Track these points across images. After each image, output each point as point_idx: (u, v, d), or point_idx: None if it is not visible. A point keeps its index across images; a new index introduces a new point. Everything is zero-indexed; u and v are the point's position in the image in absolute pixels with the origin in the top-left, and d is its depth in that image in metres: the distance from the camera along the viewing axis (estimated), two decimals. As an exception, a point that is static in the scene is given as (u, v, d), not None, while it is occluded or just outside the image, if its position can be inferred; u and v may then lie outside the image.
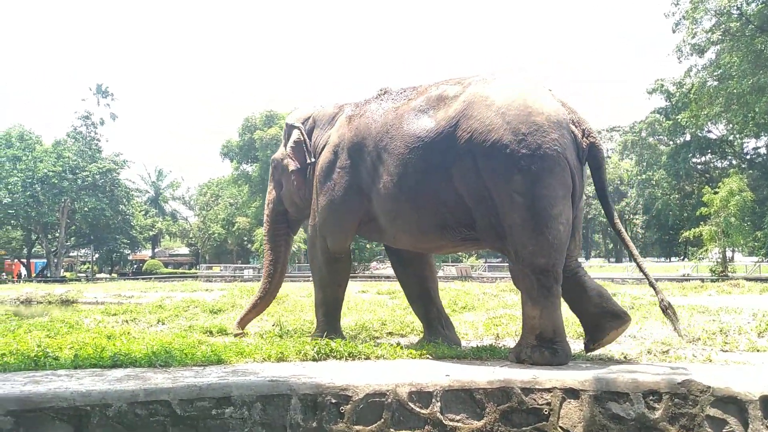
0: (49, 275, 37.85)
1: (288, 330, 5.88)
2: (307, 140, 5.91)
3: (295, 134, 6.00)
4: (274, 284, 6.32)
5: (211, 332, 5.97)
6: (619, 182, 51.20)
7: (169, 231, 61.99)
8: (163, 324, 6.84)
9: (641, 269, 4.50)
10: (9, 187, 33.25)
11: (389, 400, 3.38)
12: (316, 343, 4.17)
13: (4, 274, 42.89)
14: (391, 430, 3.34)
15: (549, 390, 3.56)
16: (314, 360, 3.98)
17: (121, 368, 3.56)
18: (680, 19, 27.87)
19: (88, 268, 50.47)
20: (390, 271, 41.10)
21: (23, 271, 44.72)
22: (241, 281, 32.62)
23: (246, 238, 59.81)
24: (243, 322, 6.27)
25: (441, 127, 4.61)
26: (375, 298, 11.53)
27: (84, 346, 4.29)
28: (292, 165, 5.87)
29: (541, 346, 4.22)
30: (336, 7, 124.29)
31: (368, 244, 39.32)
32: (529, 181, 4.19)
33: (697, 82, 29.69)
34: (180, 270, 54.24)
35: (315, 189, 5.64)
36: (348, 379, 3.42)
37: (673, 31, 28.44)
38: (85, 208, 35.49)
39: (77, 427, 2.96)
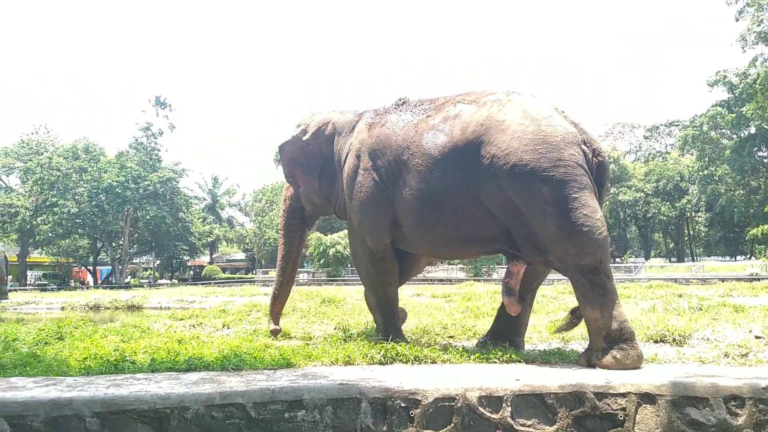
0: (114, 281, 39.42)
1: (351, 333, 5.90)
2: (318, 146, 6.18)
3: (304, 138, 6.25)
4: (287, 276, 6.59)
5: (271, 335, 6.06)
6: (679, 179, 49.39)
7: (226, 237, 63.52)
8: (228, 328, 7.00)
9: None
10: (76, 197, 34.82)
11: (459, 405, 3.35)
12: (382, 347, 4.19)
13: (72, 280, 45.11)
14: (462, 434, 3.32)
15: (623, 395, 3.47)
16: (381, 364, 4.00)
17: (196, 372, 3.67)
18: (744, 6, 26.71)
19: (150, 274, 52.33)
20: (442, 274, 41.01)
21: (89, 278, 46.78)
22: (296, 285, 33.16)
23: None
24: (275, 319, 6.50)
25: (460, 150, 4.84)
26: (431, 302, 11.49)
27: (157, 351, 4.44)
28: (298, 168, 6.20)
29: (611, 347, 4.14)
30: (390, 15, 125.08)
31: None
32: (555, 189, 4.36)
33: (763, 72, 28.38)
34: (237, 275, 55.51)
35: (345, 194, 5.78)
36: (417, 383, 3.42)
37: (737, 20, 27.28)
38: (147, 216, 36.78)
39: (158, 429, 3.06)
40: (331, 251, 41.12)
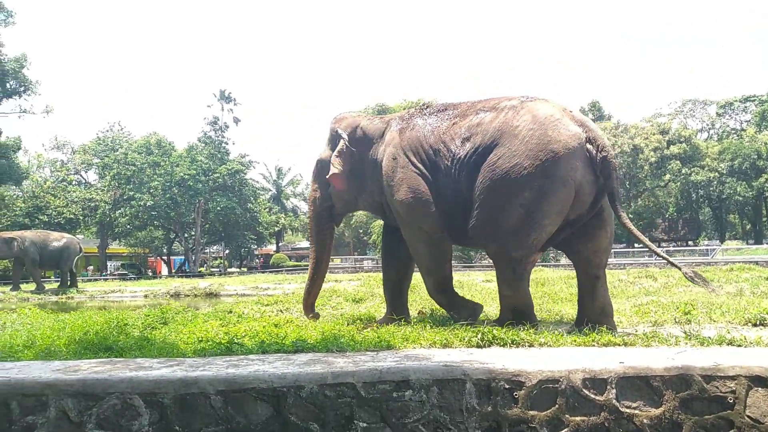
0: (187, 270, 41.02)
1: (435, 317, 5.99)
2: (352, 149, 6.56)
3: (340, 144, 6.61)
4: (321, 270, 7.17)
5: (361, 320, 6.22)
6: (756, 157, 46.78)
7: (292, 226, 64.88)
8: (318, 309, 7.21)
9: (657, 254, 5.67)
10: (151, 191, 36.33)
11: (563, 387, 3.38)
12: (479, 330, 4.25)
13: (149, 270, 47.27)
14: (566, 416, 3.35)
15: (733, 377, 3.40)
16: (479, 346, 4.06)
17: (303, 353, 3.84)
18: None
19: (220, 263, 54.12)
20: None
21: (164, 268, 48.82)
22: (363, 272, 33.62)
23: (362, 231, 61.37)
24: (309, 307, 7.03)
25: (479, 156, 5.52)
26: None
27: (258, 334, 4.65)
28: (334, 169, 6.46)
29: (517, 322, 5.13)
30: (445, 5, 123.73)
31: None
32: (536, 196, 5.15)
33: None
34: (302, 263, 56.69)
35: (388, 194, 6.26)
36: (519, 365, 3.47)
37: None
38: (218, 208, 37.97)
39: (275, 406, 3.24)
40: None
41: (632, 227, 5.44)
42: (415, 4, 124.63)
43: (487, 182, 5.37)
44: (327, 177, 6.56)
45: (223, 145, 42.16)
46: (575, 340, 4.22)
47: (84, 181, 46.94)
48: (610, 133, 47.41)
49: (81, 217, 40.93)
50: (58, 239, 20.21)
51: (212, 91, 56.31)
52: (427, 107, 6.46)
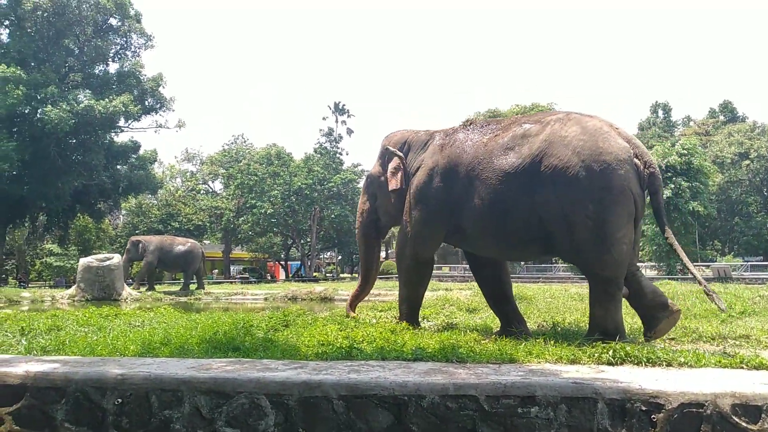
0: (303, 275, 42.59)
1: (557, 331, 5.72)
2: (406, 167, 6.79)
3: (395, 161, 6.86)
4: (371, 279, 7.66)
5: (477, 330, 6.08)
6: None
7: (401, 234, 65.44)
8: (429, 321, 7.16)
9: (692, 272, 5.40)
10: (271, 199, 38.16)
11: (708, 412, 3.07)
12: (611, 347, 3.98)
13: (268, 275, 49.61)
14: (714, 444, 3.03)
15: None
16: (610, 364, 3.80)
17: (423, 362, 3.78)
18: None
19: (333, 268, 55.70)
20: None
21: (281, 272, 51.00)
22: (472, 281, 33.09)
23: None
24: (352, 307, 7.71)
25: (526, 163, 5.54)
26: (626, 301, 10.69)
27: (376, 339, 4.66)
28: (392, 186, 6.74)
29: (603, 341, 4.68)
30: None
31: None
32: (600, 209, 5.15)
33: None
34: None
35: (409, 203, 6.52)
36: (658, 386, 3.19)
37: None
38: (332, 216, 39.16)
39: (396, 415, 3.20)
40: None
41: (675, 242, 5.50)
42: (525, 8, 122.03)
43: (547, 196, 5.37)
44: (390, 190, 6.79)
45: (337, 155, 43.54)
46: (720, 361, 3.83)
47: (211, 190, 50.22)
48: (744, 135, 43.66)
49: (208, 224, 43.84)
50: (182, 244, 21.60)
51: (327, 104, 58.49)
52: (471, 123, 6.63)
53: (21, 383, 3.39)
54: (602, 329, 5.15)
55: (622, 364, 3.81)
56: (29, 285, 32.42)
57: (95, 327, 5.56)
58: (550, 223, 5.40)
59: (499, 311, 6.56)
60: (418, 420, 3.17)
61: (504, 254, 6.40)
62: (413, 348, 4.02)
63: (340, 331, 5.36)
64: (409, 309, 6.72)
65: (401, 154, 6.85)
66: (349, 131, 50.21)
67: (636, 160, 5.33)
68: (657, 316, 5.37)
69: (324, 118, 50.34)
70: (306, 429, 3.20)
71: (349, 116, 50.84)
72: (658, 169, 5.50)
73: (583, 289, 15.43)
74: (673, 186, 31.01)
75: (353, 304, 7.73)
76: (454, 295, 10.54)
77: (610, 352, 3.88)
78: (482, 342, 4.73)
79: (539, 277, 37.75)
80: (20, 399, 3.38)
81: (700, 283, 5.35)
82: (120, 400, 3.32)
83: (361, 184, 45.20)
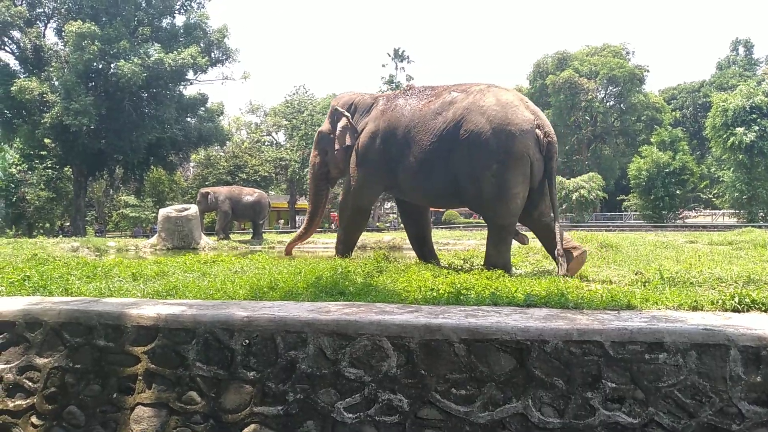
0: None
1: (650, 278, 5.54)
2: (353, 125, 7.79)
3: (343, 121, 7.91)
4: (314, 224, 8.99)
5: (569, 277, 5.98)
6: None
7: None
8: (517, 268, 7.10)
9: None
10: (334, 149, 38.41)
11: None
12: (736, 293, 3.83)
13: (332, 225, 50.45)
14: None
15: None
16: (735, 310, 3.66)
17: (537, 308, 3.74)
18: None
19: (394, 218, 56.03)
20: (702, 220, 36.90)
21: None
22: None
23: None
24: (289, 249, 9.36)
25: (449, 127, 6.63)
26: (714, 249, 10.25)
27: (475, 286, 4.64)
28: (338, 144, 7.91)
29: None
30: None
31: (678, 190, 35.66)
32: (502, 170, 6.26)
33: None
34: (472, 219, 56.59)
35: (355, 160, 7.60)
36: (795, 334, 3.05)
37: None
38: (395, 165, 39.15)
39: (518, 359, 3.19)
40: (574, 195, 39.53)
41: (555, 203, 6.64)
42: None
43: (462, 155, 6.47)
44: (335, 151, 7.96)
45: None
46: None
47: (275, 142, 50.91)
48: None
49: (273, 175, 44.62)
50: (250, 194, 22.06)
51: (387, 51, 57.58)
52: (410, 88, 7.65)
53: (153, 324, 3.57)
54: (493, 265, 6.28)
55: (748, 311, 3.66)
56: (106, 235, 34.14)
57: (199, 273, 5.79)
58: (462, 179, 6.54)
59: (419, 250, 8.13)
60: (541, 365, 3.16)
61: (432, 204, 7.94)
62: (525, 294, 3.98)
63: (435, 277, 5.37)
64: (345, 248, 8.08)
65: (348, 114, 7.82)
66: (409, 78, 49.45)
67: (537, 131, 6.34)
68: (569, 254, 6.36)
69: (383, 65, 49.88)
70: (428, 371, 3.25)
71: (408, 62, 50.04)
72: (555, 138, 6.58)
73: (659, 236, 14.95)
74: (758, 129, 29.21)
75: (292, 245, 9.21)
76: (533, 244, 10.37)
77: (735, 299, 3.73)
78: (578, 287, 4.64)
79: (609, 225, 36.81)
80: (153, 339, 3.57)
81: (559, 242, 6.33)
82: (247, 341, 3.45)
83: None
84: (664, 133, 38.59)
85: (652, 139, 40.12)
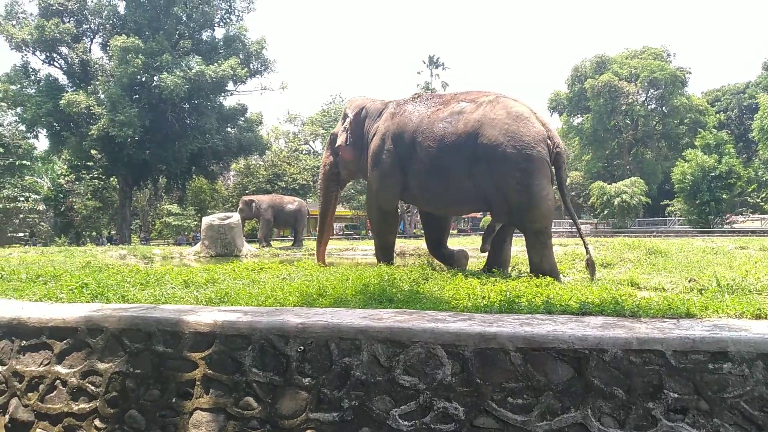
0: (402, 231, 43.06)
1: (705, 287, 5.39)
2: (356, 127, 8.14)
3: (347, 121, 8.23)
4: (328, 226, 9.08)
5: (621, 284, 5.86)
6: None
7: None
8: (566, 276, 7.00)
9: (580, 235, 7.14)
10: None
11: None
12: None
13: (370, 231, 50.65)
14: None
15: None
16: (802, 320, 3.54)
17: (593, 316, 3.69)
18: None
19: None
20: (750, 225, 35.73)
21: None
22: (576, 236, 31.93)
23: (574, 193, 58.47)
24: (321, 258, 8.97)
25: (462, 139, 6.74)
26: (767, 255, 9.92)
27: (525, 294, 4.59)
28: (340, 141, 8.24)
29: None
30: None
31: (725, 195, 34.65)
32: (526, 177, 6.37)
33: None
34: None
35: (369, 165, 7.77)
36: None
37: None
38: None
39: (576, 368, 3.15)
40: (616, 201, 38.78)
41: (572, 210, 7.08)
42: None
43: (482, 169, 6.57)
44: (336, 146, 8.20)
45: (435, 110, 43.01)
46: None
47: (312, 150, 51.45)
48: None
49: (311, 183, 45.07)
50: (291, 202, 22.33)
51: (422, 58, 57.62)
52: (419, 96, 7.83)
53: (210, 331, 3.64)
54: (540, 271, 6.33)
55: (815, 321, 3.53)
56: (150, 243, 34.98)
57: (248, 280, 5.88)
58: (486, 191, 6.66)
59: (437, 253, 8.33)
60: (600, 374, 3.11)
61: (442, 210, 7.82)
62: (580, 302, 3.93)
63: (483, 285, 5.33)
64: (384, 254, 8.17)
65: (352, 115, 8.17)
66: (444, 85, 49.46)
67: (548, 141, 6.54)
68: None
69: (418, 73, 50.01)
70: (483, 380, 3.23)
71: (443, 69, 50.04)
72: (563, 148, 6.80)
73: (706, 242, 14.52)
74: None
75: (321, 250, 8.97)
76: (580, 251, 10.21)
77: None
78: (631, 296, 4.54)
79: (652, 231, 35.99)
80: (210, 345, 3.64)
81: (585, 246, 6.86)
82: (302, 348, 3.49)
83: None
84: (708, 136, 37.58)
85: (696, 143, 39.12)
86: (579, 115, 54.56)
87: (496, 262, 7.23)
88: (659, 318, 3.61)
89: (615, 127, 50.76)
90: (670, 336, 3.12)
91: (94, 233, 42.05)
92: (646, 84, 48.81)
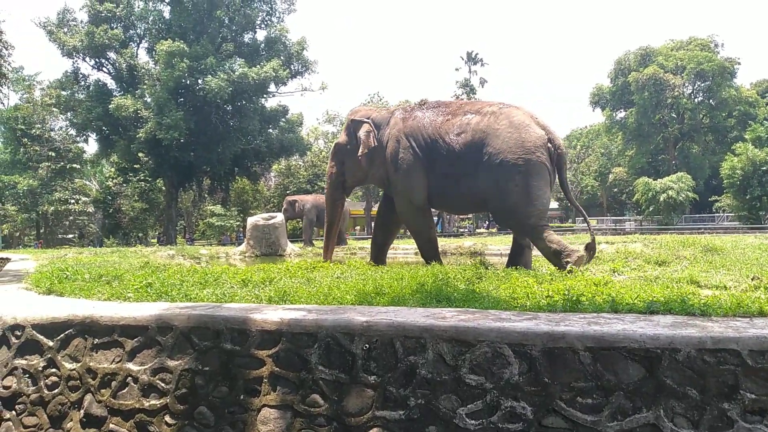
0: (442, 231, 42.94)
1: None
2: (376, 131, 8.42)
3: (366, 127, 8.47)
4: (334, 231, 9.38)
5: (680, 282, 5.73)
6: None
7: (541, 186, 63.37)
8: (620, 274, 6.89)
9: (587, 224, 8.03)
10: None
11: None
12: None
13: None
14: None
15: None
16: None
17: (661, 315, 3.62)
18: None
19: (469, 223, 55.59)
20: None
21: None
22: (623, 234, 31.43)
23: (617, 190, 57.29)
24: (328, 257, 9.27)
25: (469, 148, 7.50)
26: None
27: (584, 293, 4.53)
28: (364, 148, 8.31)
29: (561, 259, 7.19)
30: None
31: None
32: (524, 178, 7.14)
33: None
34: (551, 224, 55.22)
35: (390, 168, 8.19)
36: None
37: None
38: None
39: (648, 368, 3.10)
40: (662, 197, 37.83)
41: (577, 204, 7.96)
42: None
43: (486, 175, 7.30)
44: (359, 155, 8.36)
45: (475, 107, 42.69)
46: None
47: (351, 149, 51.63)
48: None
49: (350, 182, 45.32)
50: (334, 203, 22.54)
51: (460, 54, 57.26)
52: (424, 102, 8.42)
53: (277, 329, 3.72)
54: (552, 254, 7.13)
55: None
56: (194, 243, 35.74)
57: (303, 279, 5.97)
58: (488, 193, 7.40)
59: (376, 253, 9.08)
60: (673, 374, 3.06)
61: (453, 210, 8.86)
62: (647, 300, 3.86)
63: (539, 283, 5.29)
64: (430, 251, 8.43)
65: (369, 121, 8.44)
66: (482, 81, 49.07)
67: (549, 144, 7.24)
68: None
69: (457, 69, 49.56)
70: (551, 379, 3.21)
71: (482, 65, 49.62)
72: (564, 149, 7.46)
73: (759, 239, 14.03)
74: None
75: (328, 255, 9.31)
76: (631, 248, 10.03)
77: None
78: (695, 294, 4.43)
79: (700, 227, 35.02)
80: (277, 343, 3.71)
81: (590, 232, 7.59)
82: (367, 346, 3.53)
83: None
84: (759, 129, 36.33)
85: (746, 136, 37.87)
86: (622, 110, 53.39)
87: (518, 265, 7.48)
88: (731, 317, 3.53)
89: (660, 121, 49.49)
90: (746, 335, 3.05)
91: (140, 234, 43.20)
92: (693, 76, 47.44)
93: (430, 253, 8.40)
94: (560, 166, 7.39)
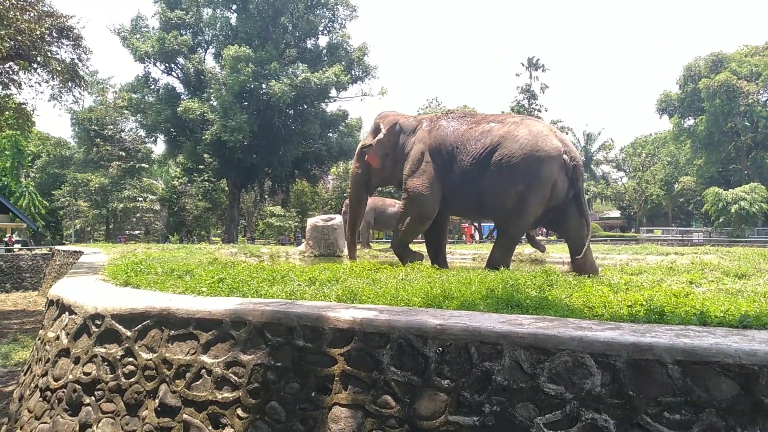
0: (496, 236, 42.34)
1: None
2: (389, 139, 8.98)
3: (380, 135, 9.05)
4: (356, 229, 9.88)
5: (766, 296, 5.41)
6: None
7: (602, 194, 61.78)
8: (698, 286, 6.57)
9: (587, 238, 8.17)
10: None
11: None
12: None
13: (464, 236, 50.17)
14: None
15: None
16: None
17: (755, 329, 3.41)
18: None
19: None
20: None
21: (475, 234, 51.20)
22: (691, 245, 30.08)
23: (683, 199, 55.07)
24: (352, 257, 9.89)
25: (486, 151, 7.82)
26: None
27: (664, 305, 4.32)
28: (373, 152, 8.99)
29: None
30: None
31: None
32: (526, 190, 7.61)
33: None
34: (613, 233, 53.53)
35: (407, 173, 8.59)
36: None
37: None
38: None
39: (743, 385, 2.91)
40: (733, 208, 36.14)
41: (588, 216, 8.02)
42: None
43: (495, 175, 7.69)
44: (365, 158, 9.04)
45: (535, 112, 42.04)
46: None
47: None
48: None
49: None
50: (392, 205, 22.48)
51: (521, 60, 56.47)
52: (450, 113, 8.87)
53: (349, 327, 3.71)
54: (495, 266, 7.53)
55: None
56: (254, 242, 36.49)
57: (368, 279, 5.97)
58: (490, 193, 7.77)
59: (432, 256, 9.35)
60: (771, 392, 2.86)
61: (470, 216, 9.07)
62: (741, 314, 3.65)
63: (615, 292, 5.09)
64: (403, 253, 9.05)
65: (386, 129, 8.94)
66: (543, 87, 48.18)
67: (565, 156, 7.56)
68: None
69: (517, 75, 48.87)
70: (636, 392, 3.06)
71: (543, 71, 48.75)
72: (580, 162, 7.83)
73: None
74: None
75: (352, 254, 9.91)
76: (706, 260, 9.59)
77: None
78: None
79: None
80: (350, 342, 3.70)
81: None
82: (440, 349, 3.47)
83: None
84: (844, 139, 34.16)
85: (828, 146, 35.68)
86: (691, 117, 51.37)
87: (582, 270, 7.88)
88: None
89: (732, 130, 47.31)
90: None
91: (203, 232, 44.49)
92: (769, 83, 45.18)
93: (403, 254, 9.07)
94: (576, 177, 7.72)
